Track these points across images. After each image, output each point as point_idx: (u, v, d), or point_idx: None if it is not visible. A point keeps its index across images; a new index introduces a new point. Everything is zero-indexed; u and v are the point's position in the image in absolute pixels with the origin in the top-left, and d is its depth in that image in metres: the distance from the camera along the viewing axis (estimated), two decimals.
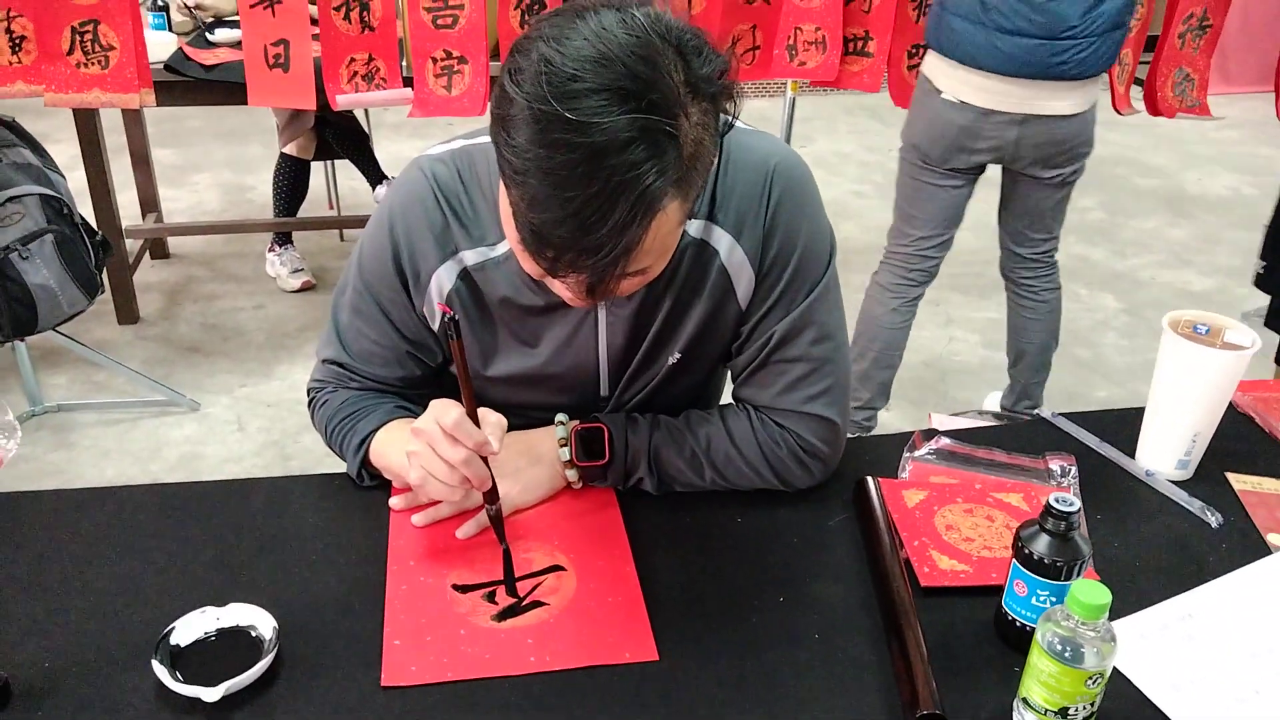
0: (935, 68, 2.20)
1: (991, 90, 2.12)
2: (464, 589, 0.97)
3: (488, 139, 0.91)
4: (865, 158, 5.12)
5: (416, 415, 1.01)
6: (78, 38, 2.26)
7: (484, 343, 1.10)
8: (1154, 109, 2.97)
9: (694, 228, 1.04)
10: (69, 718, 0.84)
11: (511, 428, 1.10)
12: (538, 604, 0.96)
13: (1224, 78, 6.27)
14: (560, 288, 0.90)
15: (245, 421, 2.76)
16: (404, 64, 2.54)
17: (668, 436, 1.11)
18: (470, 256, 1.05)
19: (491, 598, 0.97)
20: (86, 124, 2.87)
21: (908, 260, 2.44)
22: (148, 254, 3.53)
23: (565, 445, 1.10)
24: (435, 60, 2.42)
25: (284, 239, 3.52)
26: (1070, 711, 0.81)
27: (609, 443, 1.09)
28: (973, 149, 2.23)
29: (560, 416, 1.12)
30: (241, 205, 4.18)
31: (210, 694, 0.83)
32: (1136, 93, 2.98)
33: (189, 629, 0.91)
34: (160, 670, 0.85)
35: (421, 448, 0.95)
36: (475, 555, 1.02)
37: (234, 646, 0.90)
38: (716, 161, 0.95)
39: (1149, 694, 0.89)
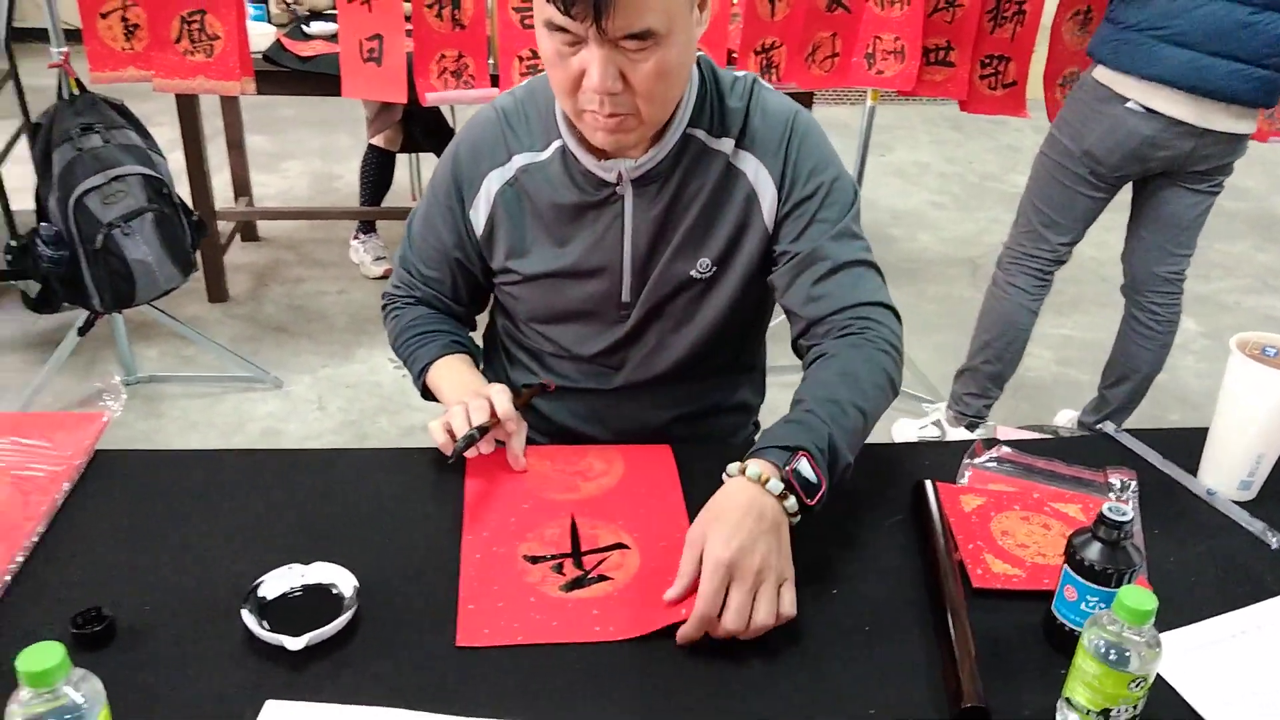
0: (1115, 78, 2.21)
1: (1180, 101, 2.15)
2: (534, 560, 1.03)
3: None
4: (944, 169, 5.09)
5: (470, 349, 1.32)
6: (186, 27, 2.37)
7: (524, 239, 1.25)
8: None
9: (725, 147, 1.19)
10: (166, 656, 0.91)
11: (540, 358, 1.34)
12: (603, 578, 1.01)
13: None
14: (580, 61, 1.02)
15: (325, 401, 2.86)
16: (491, 62, 2.61)
17: (838, 412, 1.05)
18: (520, 159, 1.22)
19: (559, 569, 1.02)
20: (187, 109, 3.00)
21: (1048, 265, 2.52)
22: (238, 236, 3.67)
23: (785, 497, 0.98)
24: (521, 59, 2.49)
25: (368, 227, 3.63)
26: (1112, 713, 0.83)
27: (815, 464, 1.01)
28: (1150, 157, 2.27)
29: (755, 471, 0.98)
30: (329, 193, 4.32)
31: (294, 643, 0.89)
32: None
33: (276, 583, 0.97)
34: (249, 619, 0.92)
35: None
36: (544, 529, 1.08)
37: (317, 602, 0.96)
38: (747, 98, 1.20)
39: (1196, 706, 0.90)
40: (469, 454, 1.13)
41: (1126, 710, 0.83)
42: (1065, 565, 0.93)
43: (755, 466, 0.98)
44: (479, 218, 1.25)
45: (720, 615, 0.91)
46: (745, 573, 0.92)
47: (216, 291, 3.32)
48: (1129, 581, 0.90)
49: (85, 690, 0.74)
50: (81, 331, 2.71)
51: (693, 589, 0.94)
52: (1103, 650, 0.82)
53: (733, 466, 1.01)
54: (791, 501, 0.98)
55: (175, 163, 2.74)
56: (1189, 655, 0.95)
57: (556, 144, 1.20)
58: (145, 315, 2.89)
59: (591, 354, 1.30)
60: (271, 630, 0.91)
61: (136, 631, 0.93)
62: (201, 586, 0.99)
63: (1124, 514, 0.90)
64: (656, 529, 1.08)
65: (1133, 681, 0.81)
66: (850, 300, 1.17)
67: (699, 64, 1.18)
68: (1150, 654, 0.81)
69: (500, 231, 1.25)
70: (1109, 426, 1.30)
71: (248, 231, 3.74)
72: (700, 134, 1.18)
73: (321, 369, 3.01)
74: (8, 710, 0.72)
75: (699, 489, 1.14)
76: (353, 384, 2.95)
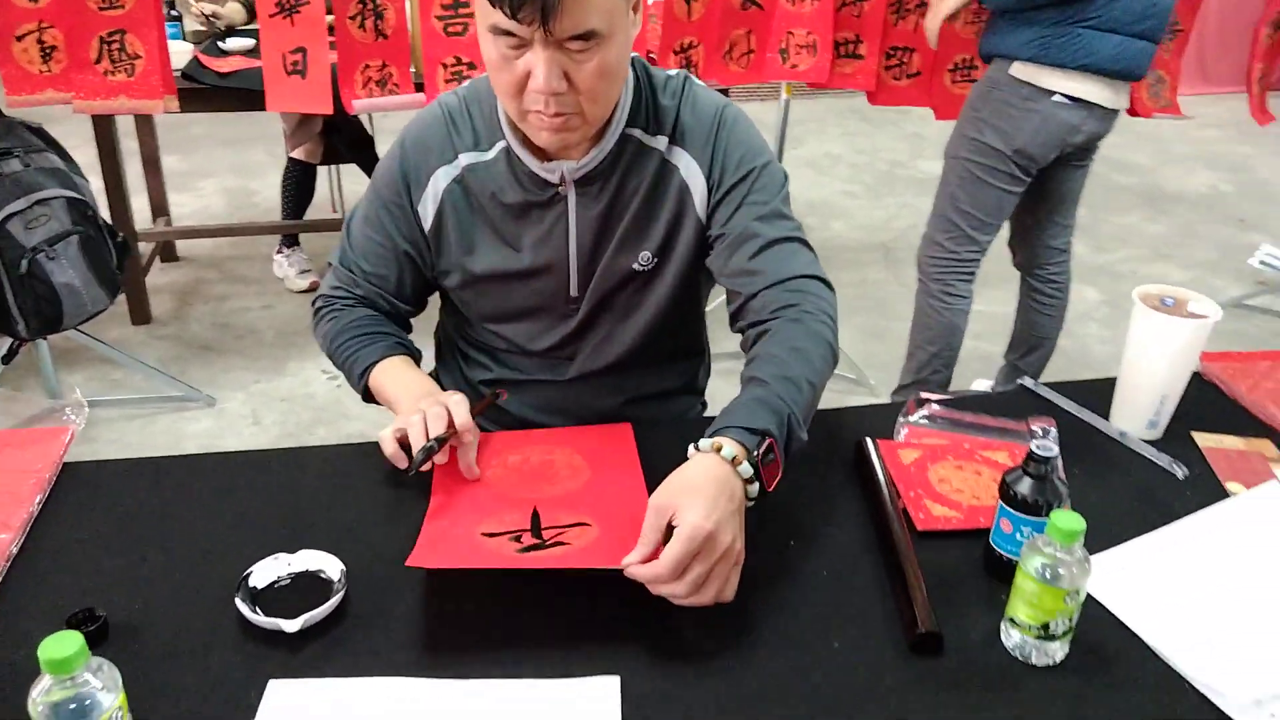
0: (1039, 73, 2.25)
1: (1106, 86, 2.25)
2: (492, 535, 1.05)
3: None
4: (854, 159, 5.25)
5: (412, 351, 1.32)
6: (105, 47, 2.36)
7: (471, 238, 1.29)
8: (1132, 110, 3.10)
9: (660, 144, 1.24)
10: (164, 648, 0.94)
11: (494, 355, 1.38)
12: (560, 544, 1.03)
13: (1203, 78, 6.45)
14: (525, 63, 1.07)
15: (260, 415, 2.86)
16: (414, 70, 2.65)
17: (790, 388, 1.09)
18: (466, 159, 1.26)
19: (517, 539, 1.04)
20: (104, 131, 2.97)
21: (978, 264, 2.55)
22: (158, 257, 3.62)
23: (752, 481, 1.02)
24: (446, 66, 2.53)
25: (291, 241, 3.62)
26: (1051, 626, 0.92)
27: (777, 448, 1.05)
28: (1070, 143, 2.34)
29: (716, 445, 1.02)
30: (247, 209, 4.28)
31: (291, 625, 0.94)
32: None
33: (265, 572, 1.01)
34: (243, 606, 0.96)
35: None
36: (504, 514, 1.09)
37: (306, 588, 1.00)
38: (679, 96, 1.24)
39: (1122, 617, 1.00)
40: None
41: (1063, 623, 0.92)
42: (1000, 501, 1.02)
43: (730, 447, 1.00)
44: (427, 213, 1.28)
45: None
46: (715, 548, 0.93)
47: (140, 314, 3.28)
48: (1057, 510, 0.99)
49: (103, 677, 0.77)
50: (5, 359, 2.67)
51: (654, 556, 0.94)
52: (1040, 570, 0.91)
53: (704, 442, 1.02)
54: (754, 487, 1.01)
55: (93, 187, 2.70)
56: (1113, 575, 1.05)
57: (500, 145, 1.24)
58: (70, 341, 2.85)
59: (544, 348, 1.36)
60: (265, 616, 0.95)
61: (131, 629, 0.96)
62: (190, 582, 1.02)
63: (1050, 450, 0.99)
64: (618, 512, 1.08)
65: (1067, 595, 0.90)
66: (784, 274, 1.22)
67: (633, 64, 1.24)
68: (1081, 570, 0.90)
69: (448, 229, 1.28)
70: (1028, 381, 1.40)
71: (167, 252, 3.69)
72: (637, 133, 1.23)
73: (253, 384, 3.01)
74: (29, 698, 0.75)
75: (657, 462, 1.21)
76: (286, 397, 2.95)
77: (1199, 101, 5.93)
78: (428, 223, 1.28)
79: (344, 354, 1.30)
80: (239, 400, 2.92)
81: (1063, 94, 2.24)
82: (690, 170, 1.25)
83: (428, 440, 1.10)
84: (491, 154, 1.25)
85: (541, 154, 1.22)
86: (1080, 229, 4.32)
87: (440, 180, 1.26)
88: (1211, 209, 4.69)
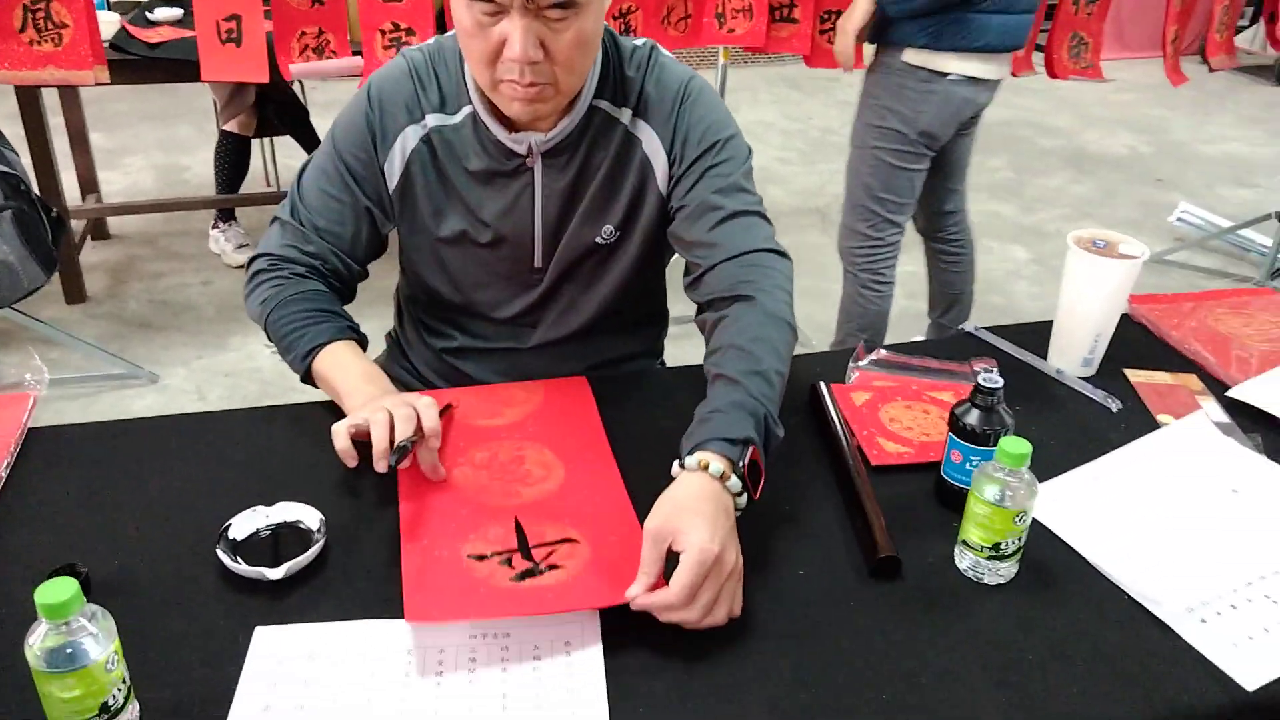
0: (933, 57, 2.30)
1: (994, 61, 2.34)
2: (480, 558, 0.99)
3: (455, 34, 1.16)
4: (787, 126, 5.31)
5: (360, 338, 1.25)
6: (30, 15, 2.30)
7: (437, 201, 1.27)
8: (1051, 71, 3.20)
9: (624, 117, 1.25)
10: (148, 602, 0.95)
11: (455, 321, 1.37)
12: (554, 568, 0.98)
13: (1121, 43, 6.62)
14: (500, 31, 1.06)
15: (205, 391, 2.83)
16: (351, 39, 2.63)
17: (759, 383, 1.08)
18: (433, 120, 1.24)
19: (508, 562, 0.99)
20: (30, 104, 2.89)
21: (899, 245, 2.59)
22: (89, 236, 3.54)
23: (742, 494, 1.01)
24: (384, 32, 2.52)
25: (227, 215, 3.57)
26: (1001, 546, 0.98)
27: (761, 458, 1.05)
28: (965, 118, 2.45)
29: (702, 460, 0.99)
30: (177, 185, 4.20)
31: (274, 573, 0.96)
32: (1037, 57, 3.20)
33: (244, 524, 1.03)
34: (225, 557, 0.98)
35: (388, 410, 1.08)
36: (487, 529, 1.04)
37: (285, 538, 1.02)
38: (644, 68, 1.24)
39: (1065, 538, 1.07)
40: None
41: (1013, 543, 0.98)
42: (950, 433, 1.08)
43: (717, 463, 0.98)
44: (393, 170, 1.25)
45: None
46: (723, 569, 0.92)
47: (74, 293, 3.21)
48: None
49: (98, 624, 0.79)
50: None
51: (656, 585, 0.92)
52: (990, 493, 0.96)
53: (689, 460, 1.00)
54: (743, 499, 1.00)
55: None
56: (1056, 501, 1.12)
57: (467, 109, 1.22)
58: (3, 321, 2.79)
59: (506, 317, 1.36)
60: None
61: (113, 584, 0.97)
62: (168, 537, 1.03)
63: (996, 381, 1.05)
64: (604, 524, 1.04)
65: (1017, 516, 0.96)
66: (741, 247, 1.23)
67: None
68: (1029, 491, 0.96)
69: (414, 190, 1.26)
70: (969, 326, 1.47)
71: (98, 230, 3.61)
72: (604, 105, 1.23)
73: (196, 360, 2.97)
74: (26, 644, 0.77)
75: (624, 415, 1.25)
76: (230, 372, 2.92)
77: (1116, 66, 6.10)
78: (393, 181, 1.26)
79: (286, 328, 1.22)
80: (181, 376, 2.89)
81: (957, 73, 2.32)
82: (652, 144, 1.25)
83: (403, 440, 1.04)
84: (458, 118, 1.24)
85: (509, 124, 1.21)
86: (1007, 191, 4.47)
87: (409, 139, 1.24)
88: (1131, 169, 4.85)
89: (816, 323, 3.29)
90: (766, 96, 5.80)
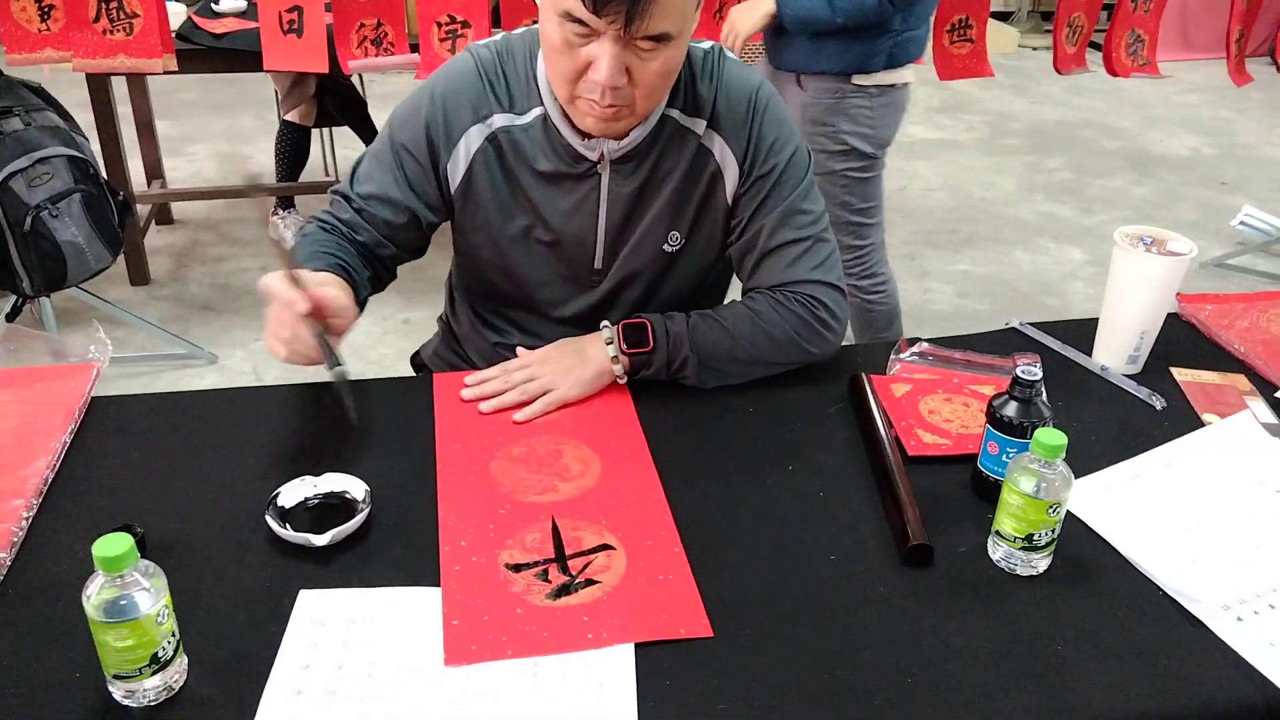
0: (892, 74, 2.30)
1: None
2: (516, 568, 1.00)
3: (525, 30, 1.17)
4: None
5: (351, 277, 1.24)
6: (104, 6, 2.38)
7: (502, 200, 1.28)
8: (1111, 69, 3.15)
9: (697, 127, 1.26)
10: (198, 563, 0.99)
11: (511, 318, 1.39)
12: (590, 582, 0.98)
13: (1185, 44, 6.50)
14: (589, 53, 1.07)
15: (262, 372, 2.90)
16: (409, 30, 2.67)
17: (701, 321, 1.28)
18: (499, 120, 1.24)
19: (545, 576, 0.99)
20: (100, 92, 2.98)
21: (882, 240, 2.56)
22: (153, 220, 3.64)
23: (611, 343, 1.26)
24: (440, 25, 2.56)
25: (287, 203, 3.65)
26: (1034, 538, 0.98)
27: (651, 332, 1.25)
28: None
29: (605, 322, 1.29)
30: (238, 174, 4.29)
31: (319, 540, 0.99)
32: (1093, 56, 3.15)
33: (292, 493, 1.06)
34: (273, 523, 1.01)
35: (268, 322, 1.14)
36: (524, 534, 1.04)
37: (332, 508, 1.06)
38: (714, 78, 1.24)
39: (1101, 533, 1.06)
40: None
41: (1046, 534, 0.98)
42: (987, 425, 1.08)
43: (609, 331, 1.25)
44: (456, 172, 1.26)
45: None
46: (541, 367, 1.24)
47: (138, 275, 3.31)
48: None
49: (150, 579, 0.83)
50: (10, 317, 2.70)
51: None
52: (1025, 483, 0.97)
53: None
54: (612, 347, 1.24)
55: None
56: (1095, 496, 1.11)
57: (538, 111, 1.23)
58: (72, 300, 2.89)
59: (563, 317, 1.37)
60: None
61: (167, 545, 1.01)
62: (220, 504, 1.07)
63: (1034, 373, 1.05)
64: (640, 527, 1.05)
65: (1050, 508, 0.96)
66: (790, 277, 1.28)
67: None
68: (1063, 483, 0.96)
69: (477, 189, 1.27)
70: (1014, 321, 1.46)
71: (163, 215, 3.71)
72: (675, 114, 1.24)
73: (254, 342, 3.04)
74: (84, 595, 0.81)
75: (663, 398, 1.27)
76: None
77: (1180, 67, 5.98)
78: (455, 181, 1.27)
79: (297, 256, 1.24)
80: (240, 357, 2.96)
81: (900, 83, 2.34)
82: (725, 156, 1.26)
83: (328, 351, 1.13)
84: (527, 119, 1.24)
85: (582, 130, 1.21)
86: (1066, 191, 4.41)
87: (473, 139, 1.24)
88: (1194, 171, 4.75)
89: None
90: None
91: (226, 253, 3.58)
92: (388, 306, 3.19)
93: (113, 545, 0.80)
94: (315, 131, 3.59)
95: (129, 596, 0.81)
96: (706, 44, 1.27)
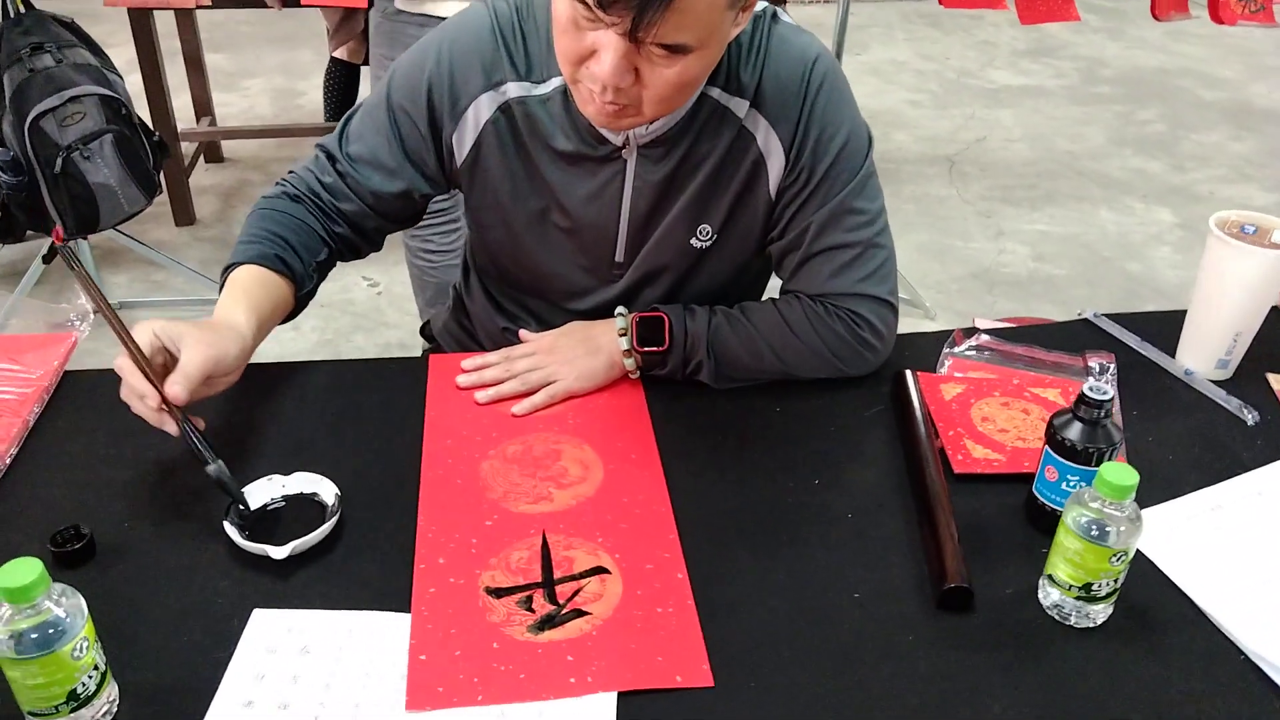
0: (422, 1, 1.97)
1: None
2: (498, 593, 0.89)
3: None
4: (921, 66, 5.01)
5: (289, 269, 1.11)
6: None
7: (515, 178, 1.13)
8: (1216, 16, 2.87)
9: (739, 109, 1.07)
10: (148, 571, 0.90)
11: (526, 305, 1.25)
12: (579, 613, 0.87)
13: None
14: (596, 40, 0.91)
15: (299, 321, 2.77)
16: None
17: (725, 322, 1.14)
18: (514, 89, 1.09)
19: (528, 604, 0.88)
20: (142, 26, 2.90)
21: None
22: (202, 158, 3.58)
23: (625, 335, 1.13)
24: None
25: None
26: (1094, 587, 0.84)
27: (669, 330, 1.12)
28: None
29: (620, 309, 1.16)
30: (292, 110, 4.21)
31: (278, 552, 0.89)
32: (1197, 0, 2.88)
33: (257, 494, 0.96)
34: (231, 530, 0.91)
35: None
36: (510, 552, 0.93)
37: (299, 512, 0.96)
38: (761, 50, 1.05)
39: (1173, 577, 0.92)
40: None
41: (1108, 584, 0.84)
42: (1046, 446, 0.94)
43: (622, 321, 1.14)
44: (463, 143, 1.12)
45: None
46: (545, 356, 1.14)
47: (183, 215, 3.25)
48: (1109, 460, 0.90)
49: (67, 605, 0.73)
50: (46, 259, 2.66)
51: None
52: (1085, 526, 0.82)
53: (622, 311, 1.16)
54: (625, 340, 1.13)
55: (133, 85, 2.64)
56: (1167, 530, 0.96)
57: (557, 82, 1.07)
58: (112, 242, 2.84)
59: (580, 309, 1.23)
60: (255, 541, 0.91)
61: (117, 548, 0.92)
62: (181, 502, 0.98)
63: (1104, 393, 0.90)
64: (641, 548, 0.94)
65: (1114, 556, 0.82)
66: (835, 288, 1.12)
67: None
68: (1131, 529, 0.82)
69: (487, 164, 1.13)
70: (1088, 312, 1.29)
71: (211, 153, 3.65)
72: (715, 92, 1.07)
73: None
74: None
75: (677, 394, 1.14)
76: (326, 303, 2.91)
77: None
78: (461, 156, 1.13)
79: (238, 240, 1.13)
80: None
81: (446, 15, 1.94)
82: (769, 142, 1.09)
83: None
84: (546, 89, 1.08)
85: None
86: (1158, 146, 4.12)
87: (482, 109, 1.09)
88: None
89: (933, 282, 3.09)
90: (900, 34, 5.47)
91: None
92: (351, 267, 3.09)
93: (19, 573, 0.71)
94: (365, 70, 3.48)
95: (40, 628, 0.72)
96: (759, 6, 1.06)
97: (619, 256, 1.18)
